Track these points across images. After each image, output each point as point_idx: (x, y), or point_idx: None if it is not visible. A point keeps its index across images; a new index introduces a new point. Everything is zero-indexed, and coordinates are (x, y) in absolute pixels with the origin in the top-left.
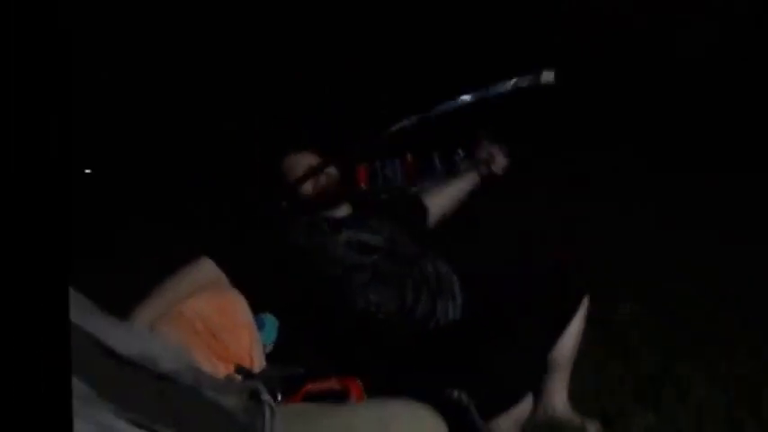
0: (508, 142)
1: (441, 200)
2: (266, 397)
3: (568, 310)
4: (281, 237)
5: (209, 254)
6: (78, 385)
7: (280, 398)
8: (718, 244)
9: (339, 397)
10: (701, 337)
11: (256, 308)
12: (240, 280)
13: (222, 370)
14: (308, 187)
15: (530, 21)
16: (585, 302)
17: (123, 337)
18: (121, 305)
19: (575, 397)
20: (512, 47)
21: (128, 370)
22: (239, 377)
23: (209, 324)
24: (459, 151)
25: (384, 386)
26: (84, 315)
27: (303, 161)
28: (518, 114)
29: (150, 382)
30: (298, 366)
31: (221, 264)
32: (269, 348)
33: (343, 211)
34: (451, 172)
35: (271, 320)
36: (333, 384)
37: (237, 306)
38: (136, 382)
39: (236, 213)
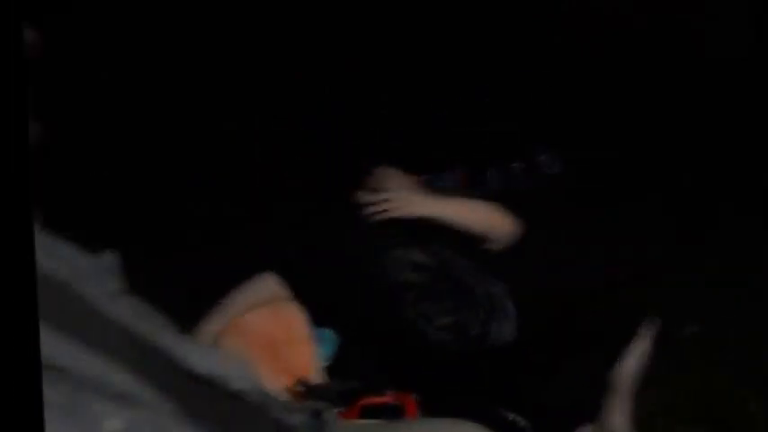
0: (565, 151)
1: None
2: (328, 415)
3: (630, 331)
4: (342, 249)
5: (273, 267)
6: (163, 403)
7: (337, 411)
8: None
9: (394, 412)
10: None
11: (315, 322)
12: (302, 292)
13: (283, 383)
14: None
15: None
16: (651, 323)
17: (197, 356)
18: (189, 317)
19: (635, 417)
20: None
21: (202, 388)
22: (300, 390)
23: (271, 338)
24: (516, 164)
25: (439, 404)
26: (161, 333)
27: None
28: (574, 123)
29: (221, 400)
30: (354, 380)
31: (285, 276)
32: (327, 363)
33: (407, 227)
34: (507, 184)
35: (329, 335)
36: (388, 399)
37: (298, 320)
38: (209, 400)
39: (298, 225)
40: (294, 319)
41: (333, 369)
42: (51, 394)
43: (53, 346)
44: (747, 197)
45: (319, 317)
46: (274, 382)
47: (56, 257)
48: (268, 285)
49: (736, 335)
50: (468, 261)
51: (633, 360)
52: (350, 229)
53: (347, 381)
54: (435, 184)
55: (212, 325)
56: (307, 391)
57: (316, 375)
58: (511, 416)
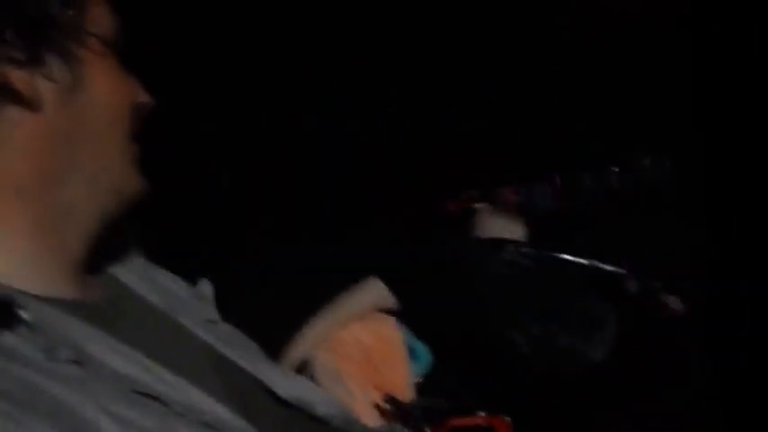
0: (668, 153)
1: None
2: None
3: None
4: (448, 254)
5: (378, 273)
6: (249, 429)
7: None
8: None
9: None
10: None
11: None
12: (406, 301)
13: (376, 398)
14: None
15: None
16: None
17: (284, 382)
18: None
19: None
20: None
21: (289, 412)
22: (389, 409)
23: (367, 353)
24: (613, 168)
25: (532, 429)
26: (252, 360)
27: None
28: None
29: (307, 425)
30: (443, 399)
31: (391, 284)
32: (419, 379)
33: (512, 233)
34: (606, 189)
35: (424, 350)
36: (479, 421)
37: (396, 335)
38: (295, 424)
39: (403, 231)
40: (393, 332)
41: (424, 385)
42: (143, 421)
43: (147, 373)
44: None
45: (413, 328)
46: (369, 397)
47: (155, 287)
48: (375, 291)
49: None
50: (574, 271)
51: None
52: (451, 234)
53: (437, 399)
54: (527, 199)
55: (317, 329)
56: (395, 410)
57: (408, 393)
58: None
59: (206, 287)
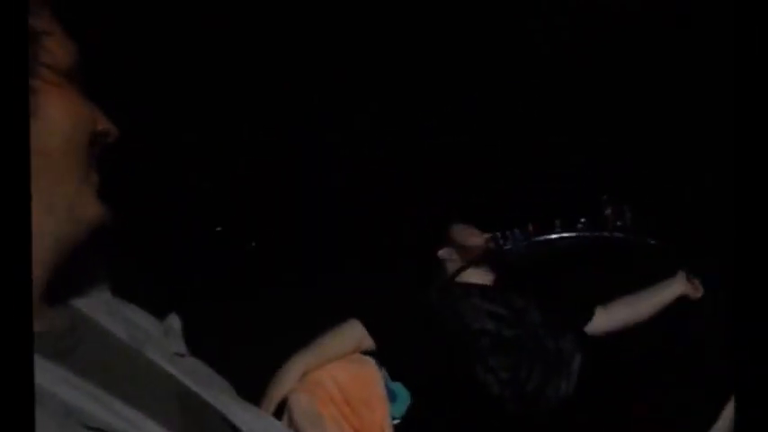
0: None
1: (625, 308)
2: None
3: (716, 404)
4: (426, 297)
5: (359, 315)
6: None
7: None
8: None
9: None
10: None
11: (390, 375)
12: (384, 344)
13: None
14: (475, 242)
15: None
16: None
17: (250, 420)
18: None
19: None
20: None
21: None
22: None
23: (346, 394)
24: (582, 219)
25: None
26: (218, 396)
27: (458, 231)
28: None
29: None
30: None
31: (370, 326)
32: (398, 420)
33: (483, 278)
34: (575, 239)
35: (403, 392)
36: None
37: (375, 377)
38: None
39: (382, 276)
40: (372, 375)
41: (402, 426)
42: None
43: (101, 407)
44: None
45: (392, 369)
46: None
47: (120, 319)
48: (355, 332)
49: None
50: (542, 312)
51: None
52: (431, 278)
53: None
54: (505, 244)
55: (297, 366)
56: None
57: None
58: None
59: (175, 321)
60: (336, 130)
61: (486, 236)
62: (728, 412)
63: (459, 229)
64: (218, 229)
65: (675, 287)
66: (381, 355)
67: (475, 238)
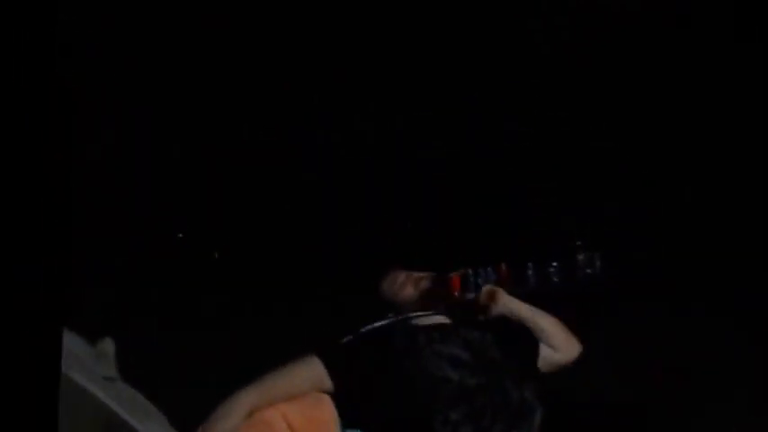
0: (606, 251)
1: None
2: None
3: None
4: (385, 339)
5: (319, 354)
6: None
7: None
8: None
9: None
10: None
11: (344, 419)
12: (344, 387)
13: None
14: (411, 295)
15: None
16: None
17: None
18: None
19: None
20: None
21: None
22: None
23: None
24: (554, 263)
25: None
26: (145, 421)
27: (401, 278)
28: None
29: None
30: None
31: (332, 367)
32: None
33: (440, 320)
34: (545, 283)
35: None
36: None
37: (330, 419)
38: None
39: (345, 315)
40: (327, 416)
41: None
42: None
43: None
44: None
45: (348, 414)
46: None
47: None
48: (315, 371)
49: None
50: (508, 364)
51: None
52: (394, 322)
53: None
54: (476, 279)
55: (249, 398)
56: None
57: None
58: None
59: (108, 345)
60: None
61: (422, 279)
62: None
63: (388, 288)
64: (180, 235)
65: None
66: (338, 399)
67: (406, 288)
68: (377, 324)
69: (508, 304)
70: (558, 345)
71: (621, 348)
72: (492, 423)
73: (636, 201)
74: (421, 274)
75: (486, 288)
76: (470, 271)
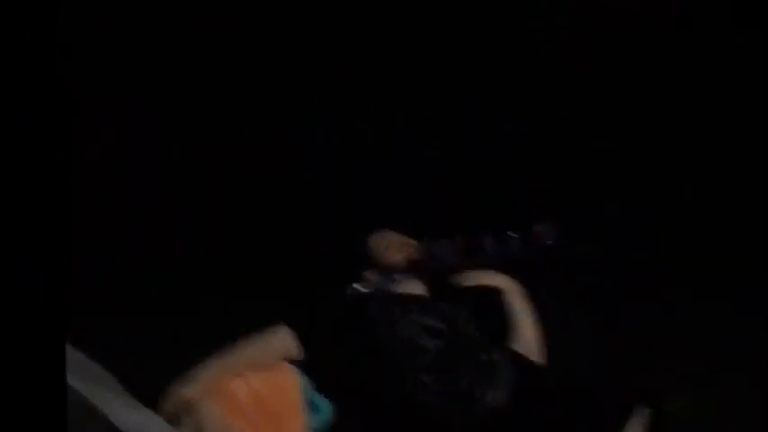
0: (563, 224)
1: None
2: None
3: (623, 418)
4: (357, 307)
5: (287, 322)
6: None
7: None
8: None
9: None
10: None
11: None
12: (314, 355)
13: None
14: (395, 258)
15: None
16: (644, 413)
17: (127, 415)
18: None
19: None
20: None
21: None
22: None
23: (262, 404)
24: (511, 233)
25: None
26: (98, 390)
27: (386, 238)
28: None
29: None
30: None
31: (299, 332)
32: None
33: (417, 289)
34: (504, 254)
35: (325, 405)
36: None
37: (296, 387)
38: None
39: (314, 284)
40: (293, 385)
41: None
42: None
43: None
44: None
45: (318, 381)
46: None
47: None
48: (283, 340)
49: (724, 409)
50: (477, 327)
51: None
52: (368, 292)
53: None
54: (433, 251)
55: (216, 369)
56: None
57: None
58: None
59: None
60: (269, 129)
61: (410, 246)
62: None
63: (376, 247)
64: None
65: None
66: (308, 366)
67: (393, 255)
68: (348, 292)
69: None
70: (525, 342)
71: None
72: (461, 383)
73: (595, 175)
74: (408, 240)
75: None
76: (427, 239)
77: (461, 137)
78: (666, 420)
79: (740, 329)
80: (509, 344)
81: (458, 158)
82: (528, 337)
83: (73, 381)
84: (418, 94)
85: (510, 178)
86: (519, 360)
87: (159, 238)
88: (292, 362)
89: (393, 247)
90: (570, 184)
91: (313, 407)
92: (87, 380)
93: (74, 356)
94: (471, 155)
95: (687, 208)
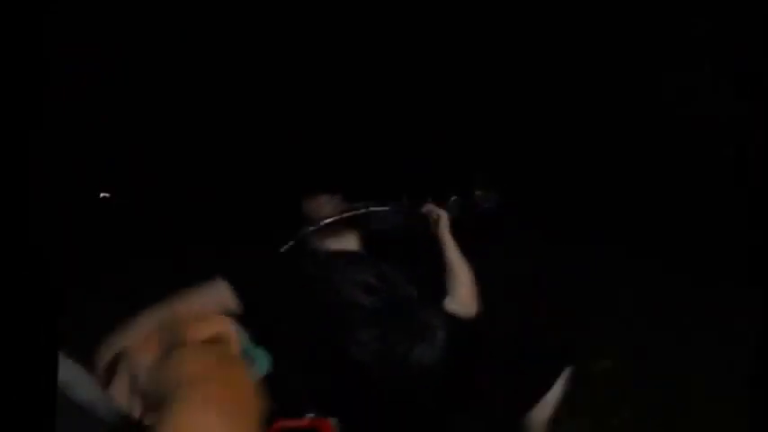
0: (499, 187)
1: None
2: None
3: (550, 376)
4: (295, 263)
5: (224, 273)
6: None
7: None
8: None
9: None
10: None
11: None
12: (251, 307)
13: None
14: (324, 212)
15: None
16: (568, 371)
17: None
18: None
19: None
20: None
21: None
22: None
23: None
24: (453, 198)
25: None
26: None
27: (323, 200)
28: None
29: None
30: (271, 402)
31: (236, 285)
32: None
33: (352, 245)
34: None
35: (262, 355)
36: (305, 423)
37: (230, 337)
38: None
39: (251, 238)
40: (226, 336)
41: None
42: None
43: None
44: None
45: (255, 334)
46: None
47: None
48: (219, 292)
49: (642, 370)
50: (415, 289)
51: (550, 405)
52: (306, 246)
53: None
54: (379, 213)
55: (146, 323)
56: None
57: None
58: None
59: None
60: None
61: (342, 204)
62: (558, 388)
63: (308, 204)
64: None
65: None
66: (246, 319)
67: (325, 209)
68: (285, 247)
69: (444, 234)
70: (460, 297)
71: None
72: (397, 341)
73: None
74: (340, 201)
75: (430, 209)
76: (373, 204)
77: (399, 109)
78: (590, 379)
79: (664, 292)
80: (446, 301)
81: (401, 129)
82: (463, 295)
83: None
84: (374, 67)
85: (451, 147)
86: (453, 319)
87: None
88: (229, 314)
89: (323, 202)
90: (509, 151)
91: (250, 359)
92: None
93: None
94: (415, 126)
95: (619, 175)
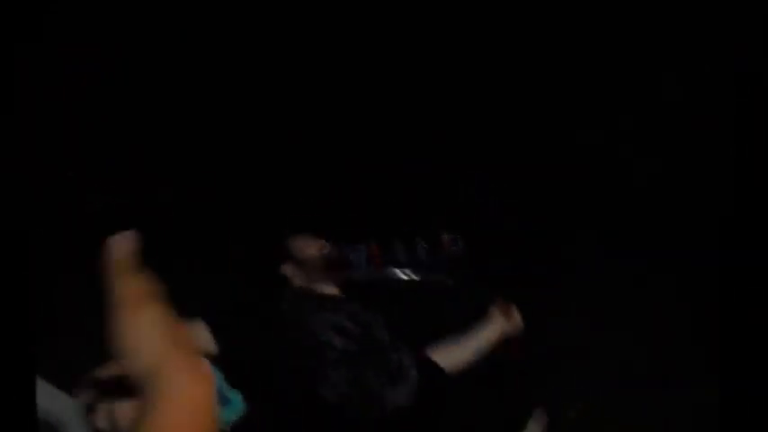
0: (466, 232)
1: (456, 352)
2: None
3: (521, 415)
4: (272, 305)
5: (203, 315)
6: None
7: None
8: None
9: None
10: None
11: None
12: (228, 349)
13: None
14: (308, 252)
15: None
16: (542, 415)
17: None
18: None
19: None
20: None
21: None
22: None
23: None
24: (422, 244)
25: None
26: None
27: (306, 243)
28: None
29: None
30: None
31: (216, 329)
32: (229, 427)
33: (331, 290)
34: (414, 265)
35: (237, 400)
36: None
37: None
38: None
39: (232, 279)
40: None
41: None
42: None
43: None
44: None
45: (231, 376)
46: None
47: None
48: (198, 333)
49: (612, 413)
50: (388, 328)
51: None
52: (281, 290)
53: None
54: (348, 255)
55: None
56: None
57: None
58: None
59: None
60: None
61: (323, 245)
62: (535, 425)
63: (295, 242)
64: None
65: (494, 327)
66: (222, 360)
67: (310, 249)
68: (265, 289)
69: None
70: (450, 361)
71: None
72: (367, 381)
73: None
74: (326, 244)
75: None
76: (343, 246)
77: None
78: (562, 424)
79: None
80: (433, 349)
81: (368, 169)
82: (454, 363)
83: None
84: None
85: (417, 188)
86: (425, 361)
87: None
88: (207, 355)
89: (307, 243)
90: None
91: (225, 400)
92: None
93: None
94: (382, 167)
95: (582, 210)
